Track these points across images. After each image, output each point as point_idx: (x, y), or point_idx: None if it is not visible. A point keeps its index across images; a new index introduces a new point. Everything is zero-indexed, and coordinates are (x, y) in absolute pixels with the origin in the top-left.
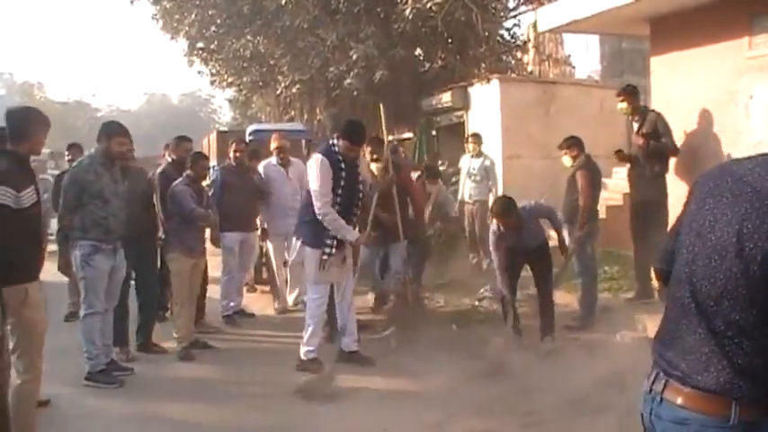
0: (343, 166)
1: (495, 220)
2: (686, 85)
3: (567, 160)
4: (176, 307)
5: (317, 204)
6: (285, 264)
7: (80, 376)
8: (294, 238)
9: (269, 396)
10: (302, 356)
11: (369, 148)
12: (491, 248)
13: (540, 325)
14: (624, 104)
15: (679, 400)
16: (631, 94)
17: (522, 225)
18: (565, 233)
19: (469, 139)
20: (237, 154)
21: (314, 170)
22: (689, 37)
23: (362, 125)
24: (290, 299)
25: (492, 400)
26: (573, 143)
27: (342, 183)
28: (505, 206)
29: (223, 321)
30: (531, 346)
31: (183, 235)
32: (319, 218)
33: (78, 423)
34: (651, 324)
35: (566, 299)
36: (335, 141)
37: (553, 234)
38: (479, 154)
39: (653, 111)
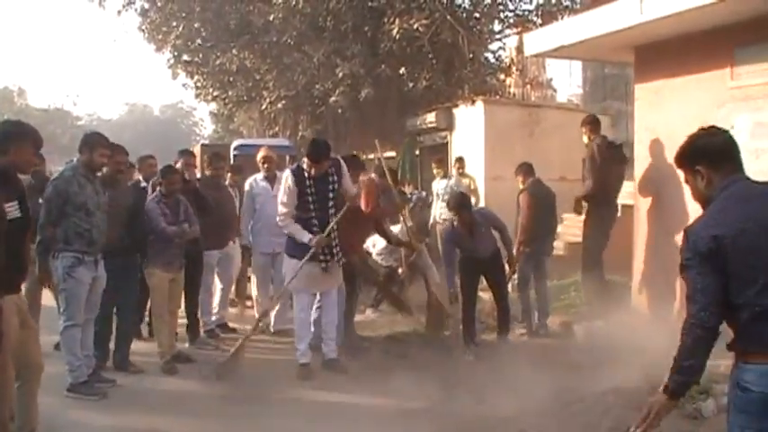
0: (309, 182)
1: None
2: (669, 113)
3: (520, 184)
4: (156, 322)
5: (279, 212)
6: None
7: (62, 388)
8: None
9: (252, 410)
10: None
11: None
12: (444, 242)
13: (497, 326)
14: (585, 137)
15: None
16: (590, 123)
17: (475, 227)
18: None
19: (434, 165)
20: (217, 171)
21: (281, 184)
22: (672, 66)
23: (323, 144)
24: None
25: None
26: (521, 169)
27: (310, 196)
28: (461, 200)
29: (205, 336)
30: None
31: (162, 250)
32: (279, 223)
33: None
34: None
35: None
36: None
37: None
38: (445, 176)
39: (596, 141)
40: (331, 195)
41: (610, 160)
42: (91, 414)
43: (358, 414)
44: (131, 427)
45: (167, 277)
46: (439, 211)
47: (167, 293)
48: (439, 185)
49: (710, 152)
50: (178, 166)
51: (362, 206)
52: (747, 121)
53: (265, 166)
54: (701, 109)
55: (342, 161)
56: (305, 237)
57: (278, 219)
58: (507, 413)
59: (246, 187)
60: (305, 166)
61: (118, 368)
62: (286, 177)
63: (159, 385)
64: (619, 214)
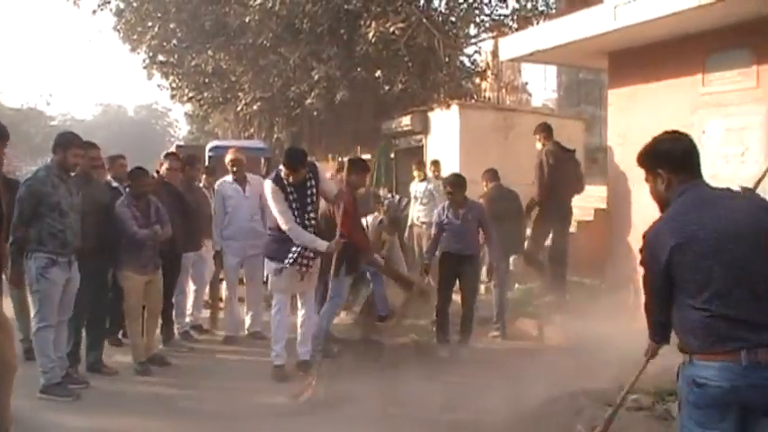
0: (290, 188)
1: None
2: (642, 118)
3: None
4: (130, 324)
5: (282, 224)
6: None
7: (35, 389)
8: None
9: (225, 411)
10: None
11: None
12: (434, 221)
13: (459, 331)
14: (539, 144)
15: None
16: (543, 130)
17: (465, 210)
18: None
19: (414, 166)
20: (191, 173)
21: (268, 196)
22: (646, 72)
23: (298, 151)
24: (246, 326)
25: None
26: (485, 174)
27: (292, 203)
28: (458, 179)
29: (179, 338)
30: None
31: (135, 253)
32: (289, 235)
33: None
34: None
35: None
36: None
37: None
38: (424, 178)
39: (547, 147)
40: (309, 201)
41: (562, 165)
42: (64, 416)
43: (331, 417)
44: (104, 428)
45: (142, 280)
46: (416, 214)
47: (141, 296)
48: (417, 188)
49: (672, 157)
50: (164, 168)
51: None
52: (718, 127)
53: (234, 168)
54: (673, 115)
55: (317, 165)
56: (323, 244)
57: (284, 228)
58: (480, 416)
59: (216, 189)
60: (283, 175)
61: (91, 370)
62: (268, 187)
63: (133, 387)
64: (574, 215)
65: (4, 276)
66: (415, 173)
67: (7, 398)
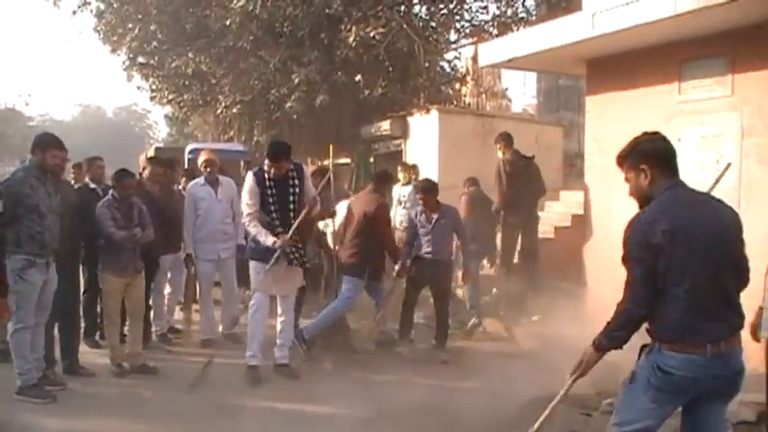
0: (270, 183)
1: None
2: (618, 125)
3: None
4: (108, 326)
5: (244, 215)
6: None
7: (11, 391)
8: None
9: (201, 413)
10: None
11: None
12: (405, 230)
13: (434, 337)
14: (499, 152)
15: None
16: (504, 139)
17: (438, 214)
18: None
19: (399, 169)
20: (169, 176)
21: (244, 186)
22: (623, 79)
23: (281, 144)
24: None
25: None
26: (467, 181)
27: (271, 198)
28: (430, 184)
29: (157, 340)
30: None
31: (114, 255)
32: (245, 227)
33: None
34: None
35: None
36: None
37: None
38: (409, 181)
39: (506, 156)
40: (291, 198)
41: (520, 172)
42: (40, 417)
43: (308, 417)
44: (81, 430)
45: (121, 282)
46: (399, 218)
47: (120, 299)
48: (402, 191)
49: (656, 153)
50: (147, 172)
51: None
52: (694, 135)
53: (207, 169)
54: (649, 122)
55: (303, 166)
56: (269, 239)
57: (243, 219)
58: (454, 419)
59: (188, 192)
60: (266, 168)
61: (68, 372)
62: (248, 178)
63: (110, 389)
64: (552, 221)
65: None
66: (400, 175)
67: None
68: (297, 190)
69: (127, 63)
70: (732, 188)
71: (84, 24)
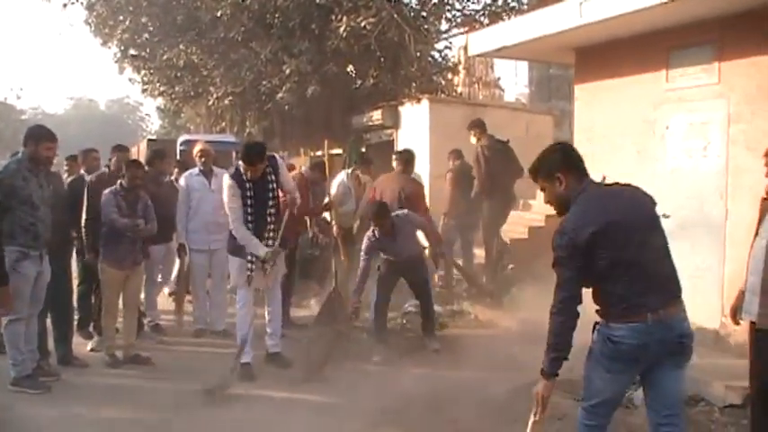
0: (248, 185)
1: (372, 227)
2: (607, 113)
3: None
4: (105, 317)
5: (230, 221)
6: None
7: (6, 382)
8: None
9: (194, 403)
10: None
11: None
12: (362, 252)
13: (422, 328)
14: (474, 138)
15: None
16: (477, 126)
17: (396, 231)
18: None
19: (393, 157)
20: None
21: (224, 191)
22: (611, 67)
23: (256, 146)
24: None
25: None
26: (452, 154)
27: (249, 199)
28: (381, 210)
29: (149, 330)
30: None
31: (114, 245)
32: (234, 233)
33: (8, 428)
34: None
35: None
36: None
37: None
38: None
39: (482, 142)
40: (270, 196)
41: (498, 156)
42: (35, 407)
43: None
44: (75, 419)
45: (120, 274)
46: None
47: (118, 290)
48: None
49: (567, 161)
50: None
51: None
52: (681, 122)
53: (202, 160)
54: (637, 110)
55: (278, 158)
56: (260, 250)
57: (231, 226)
58: (443, 405)
59: (182, 182)
60: (242, 169)
61: (62, 362)
62: (226, 182)
63: (104, 379)
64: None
65: None
66: (395, 163)
67: None
68: (274, 186)
69: (118, 55)
70: (719, 175)
71: (75, 17)
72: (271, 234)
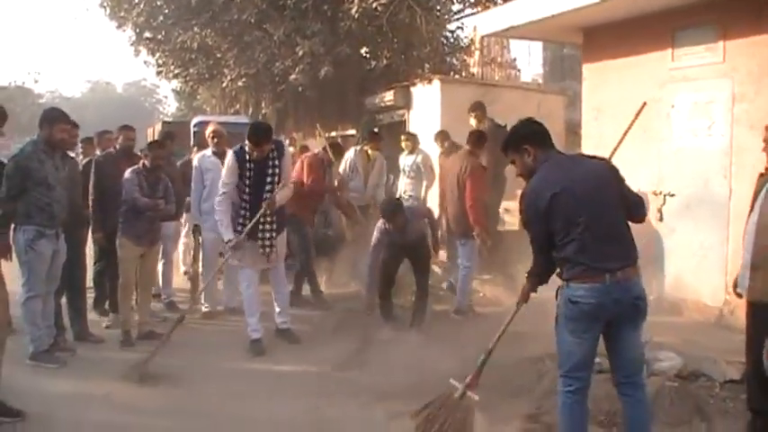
0: (249, 165)
1: (382, 220)
2: (614, 92)
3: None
4: (121, 294)
5: (218, 194)
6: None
7: (24, 357)
8: None
9: (204, 378)
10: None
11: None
12: (372, 245)
13: (412, 313)
14: (474, 121)
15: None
16: (478, 108)
17: (407, 226)
18: None
19: (402, 138)
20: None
21: (225, 165)
22: (618, 47)
23: (262, 127)
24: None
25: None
26: (440, 135)
27: (248, 178)
28: (395, 208)
29: (163, 307)
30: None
31: (133, 222)
32: (215, 207)
33: (25, 399)
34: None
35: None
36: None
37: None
38: (413, 151)
39: (484, 124)
40: (269, 180)
41: (498, 140)
42: (51, 380)
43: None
44: (89, 392)
45: (137, 251)
46: (403, 188)
47: (134, 267)
48: (405, 161)
49: (534, 134)
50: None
51: (304, 181)
52: (686, 101)
53: (215, 140)
54: (642, 89)
55: (283, 144)
56: (227, 233)
57: (216, 198)
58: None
59: (195, 163)
60: (247, 149)
61: (78, 338)
62: (228, 158)
63: (118, 354)
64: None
65: None
66: (403, 144)
67: None
68: (276, 170)
69: (133, 38)
70: (723, 154)
71: (91, 0)
72: (267, 218)
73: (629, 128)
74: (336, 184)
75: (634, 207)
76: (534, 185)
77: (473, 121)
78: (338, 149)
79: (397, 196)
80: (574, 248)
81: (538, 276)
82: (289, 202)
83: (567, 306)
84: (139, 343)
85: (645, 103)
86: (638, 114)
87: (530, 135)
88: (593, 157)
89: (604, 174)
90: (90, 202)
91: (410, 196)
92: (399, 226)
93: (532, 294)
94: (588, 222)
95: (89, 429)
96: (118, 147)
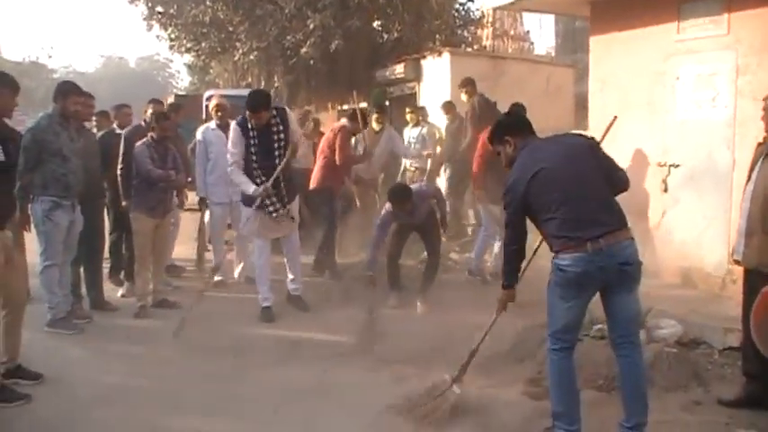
0: (252, 133)
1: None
2: (620, 65)
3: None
4: (137, 265)
5: (228, 162)
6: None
7: (43, 324)
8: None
9: (218, 344)
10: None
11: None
12: (378, 223)
13: (419, 287)
14: (465, 96)
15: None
16: (468, 84)
17: (414, 208)
18: None
19: (407, 110)
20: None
21: (230, 136)
22: (624, 19)
23: (260, 94)
24: (236, 272)
25: None
26: (446, 105)
27: (253, 147)
28: (403, 194)
29: (166, 276)
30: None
31: (145, 195)
32: (230, 175)
33: (44, 363)
34: None
35: None
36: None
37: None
38: (417, 123)
39: (475, 98)
40: (276, 146)
41: (487, 114)
42: (68, 346)
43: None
44: (105, 356)
45: (151, 222)
46: (409, 159)
47: (149, 239)
48: (411, 133)
49: (513, 126)
50: (148, 114)
51: (336, 158)
52: (691, 73)
53: (219, 114)
54: (648, 61)
55: (287, 111)
56: (250, 187)
57: (228, 168)
58: (453, 346)
59: (198, 136)
60: (247, 117)
61: (94, 307)
62: (232, 128)
63: (133, 322)
64: None
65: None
66: (408, 116)
67: (18, 329)
68: (282, 135)
69: (146, 13)
70: (726, 125)
71: None
72: (281, 185)
73: (603, 138)
74: (362, 153)
75: (616, 177)
76: (512, 176)
77: (464, 96)
78: (355, 118)
79: (402, 169)
80: (555, 225)
81: (514, 246)
82: (320, 174)
83: (556, 273)
84: (152, 312)
85: (615, 117)
86: (609, 127)
87: (510, 126)
88: (576, 135)
89: (580, 148)
90: (119, 172)
91: (416, 168)
92: (407, 210)
93: (522, 291)
94: (566, 197)
95: (104, 391)
96: (147, 120)
